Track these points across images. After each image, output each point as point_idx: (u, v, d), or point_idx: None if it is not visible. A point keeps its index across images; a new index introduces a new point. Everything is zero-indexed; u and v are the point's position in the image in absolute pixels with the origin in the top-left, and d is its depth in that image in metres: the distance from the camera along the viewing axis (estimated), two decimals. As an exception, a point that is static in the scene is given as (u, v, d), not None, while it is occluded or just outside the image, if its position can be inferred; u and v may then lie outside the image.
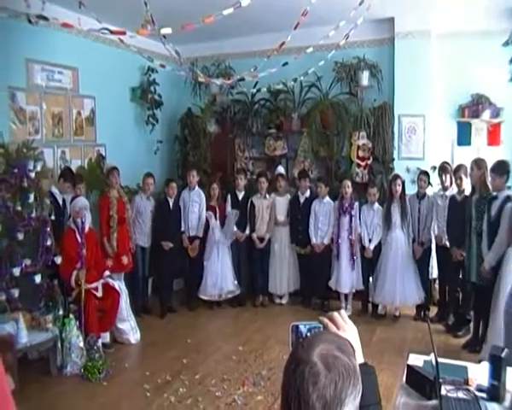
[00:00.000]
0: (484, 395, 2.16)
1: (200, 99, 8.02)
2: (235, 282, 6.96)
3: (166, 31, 4.02)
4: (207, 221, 6.91)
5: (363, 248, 6.53)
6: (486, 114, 6.82)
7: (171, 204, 6.79)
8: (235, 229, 6.94)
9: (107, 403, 4.32)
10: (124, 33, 4.34)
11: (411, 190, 6.52)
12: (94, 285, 5.37)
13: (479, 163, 5.40)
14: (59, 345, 4.87)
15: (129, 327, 5.71)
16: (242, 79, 5.95)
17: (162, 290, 6.86)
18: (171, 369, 4.98)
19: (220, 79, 6.73)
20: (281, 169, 7.39)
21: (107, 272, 5.66)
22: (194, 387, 4.61)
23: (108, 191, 6.15)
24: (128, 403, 4.34)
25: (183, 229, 6.85)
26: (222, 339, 6.02)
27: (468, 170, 5.57)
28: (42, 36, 5.77)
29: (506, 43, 4.98)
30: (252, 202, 7.03)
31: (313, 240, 6.72)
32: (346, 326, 1.32)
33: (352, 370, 1.08)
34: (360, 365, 1.29)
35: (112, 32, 4.34)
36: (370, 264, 6.48)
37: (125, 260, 6.10)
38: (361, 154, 7.14)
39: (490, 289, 4.94)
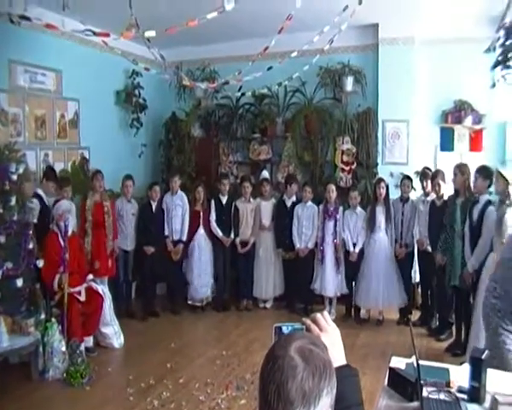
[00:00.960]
0: (465, 396, 2.18)
1: (184, 103, 8.00)
2: (213, 287, 7.02)
3: (150, 34, 4.01)
4: (193, 226, 6.90)
5: (346, 252, 6.56)
6: (469, 121, 6.91)
7: (153, 208, 6.77)
8: (220, 234, 6.93)
9: (89, 408, 4.28)
10: (107, 35, 4.33)
11: (395, 194, 6.57)
12: (77, 289, 5.32)
13: (462, 168, 5.45)
14: (41, 349, 4.80)
15: (112, 331, 5.67)
16: (227, 83, 5.97)
17: (145, 294, 6.82)
18: (155, 373, 4.94)
19: (205, 82, 6.74)
20: (265, 174, 7.42)
21: (90, 276, 5.62)
22: (178, 391, 4.59)
23: (89, 195, 6.11)
24: (111, 408, 4.30)
25: (166, 233, 6.82)
26: (206, 343, 6.03)
27: (451, 175, 5.61)
28: (25, 37, 5.74)
29: (488, 50, 5.04)
30: (236, 206, 7.03)
31: (297, 245, 6.73)
32: (328, 328, 1.33)
33: (327, 363, 1.12)
34: (343, 366, 1.31)
35: (95, 34, 4.33)
36: (354, 267, 6.50)
37: (96, 264, 6.04)
38: (345, 159, 7.19)
39: (471, 292, 4.99)
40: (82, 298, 5.34)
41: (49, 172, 5.91)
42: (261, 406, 1.10)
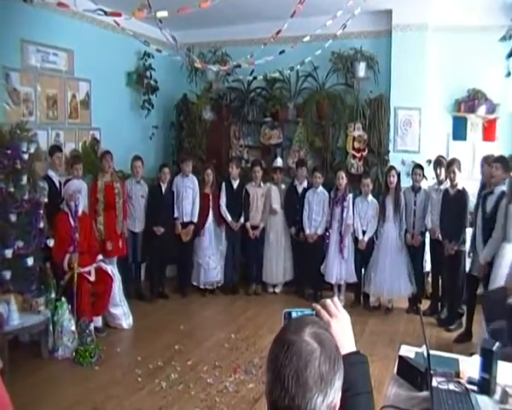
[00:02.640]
0: (475, 387, 2.18)
1: (196, 86, 7.98)
2: (223, 271, 7.05)
3: (162, 14, 3.99)
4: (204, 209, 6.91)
5: (356, 239, 6.55)
6: (482, 110, 6.83)
7: (163, 189, 6.78)
8: (229, 218, 6.94)
9: (98, 387, 4.32)
10: (119, 15, 4.31)
11: (406, 182, 6.53)
12: (87, 269, 5.36)
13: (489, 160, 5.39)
14: (50, 328, 4.86)
15: (121, 312, 5.71)
16: (239, 66, 5.94)
17: (154, 276, 6.86)
18: (163, 355, 4.98)
19: (216, 65, 6.70)
20: (279, 162, 7.33)
21: (100, 256, 5.65)
22: (186, 373, 4.62)
23: (100, 176, 6.12)
24: (119, 388, 4.34)
25: (176, 215, 6.84)
26: (214, 326, 6.06)
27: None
28: (37, 17, 5.72)
29: (503, 39, 4.97)
30: (246, 190, 7.03)
31: (307, 230, 6.73)
32: (338, 314, 1.33)
33: (337, 347, 1.14)
34: (353, 353, 1.31)
35: (107, 14, 4.30)
36: (364, 256, 6.50)
37: (108, 245, 6.06)
38: (356, 145, 7.15)
39: (482, 282, 4.98)
40: (92, 278, 5.37)
41: (53, 147, 5.90)
42: (274, 390, 1.09)
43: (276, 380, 1.09)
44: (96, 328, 5.36)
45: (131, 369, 4.67)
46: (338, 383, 1.10)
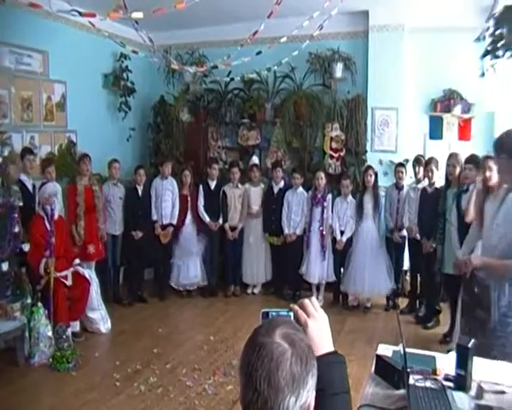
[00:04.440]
0: (451, 384, 2.19)
1: (173, 87, 7.96)
2: (202, 272, 7.01)
3: (138, 15, 3.96)
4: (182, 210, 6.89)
5: (334, 239, 6.57)
6: (458, 110, 6.92)
7: (140, 192, 6.73)
8: (207, 219, 6.92)
9: (75, 393, 4.26)
10: (93, 16, 4.28)
11: (384, 182, 6.58)
12: (63, 273, 5.28)
13: (458, 159, 5.45)
14: (27, 334, 4.78)
15: (99, 316, 5.65)
16: (215, 67, 5.93)
17: (132, 279, 6.81)
18: (142, 358, 4.94)
19: (193, 66, 6.68)
20: (255, 160, 7.39)
21: (77, 261, 5.58)
22: (165, 376, 4.59)
23: (78, 179, 6.05)
24: (97, 393, 4.29)
25: (155, 218, 6.80)
26: (193, 329, 6.03)
27: (443, 163, 5.61)
28: (10, 17, 5.64)
29: (478, 40, 5.04)
30: (224, 191, 7.02)
31: (286, 230, 6.75)
32: (316, 314, 1.33)
33: (310, 347, 1.14)
34: (331, 353, 1.31)
35: (81, 15, 4.26)
36: (342, 255, 6.52)
37: (91, 249, 6.00)
38: (334, 145, 7.18)
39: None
40: (68, 282, 5.30)
41: (24, 149, 5.77)
42: (247, 395, 1.09)
43: (248, 383, 1.09)
44: (73, 333, 5.29)
45: (109, 373, 4.62)
46: (311, 383, 1.10)
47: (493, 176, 4.25)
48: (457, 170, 5.36)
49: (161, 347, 5.25)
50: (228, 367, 4.75)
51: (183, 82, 7.99)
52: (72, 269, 5.42)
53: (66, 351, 4.79)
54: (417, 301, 6.30)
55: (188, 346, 5.34)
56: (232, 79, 6.92)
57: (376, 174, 6.42)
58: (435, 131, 7.15)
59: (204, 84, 7.93)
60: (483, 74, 5.08)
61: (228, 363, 4.85)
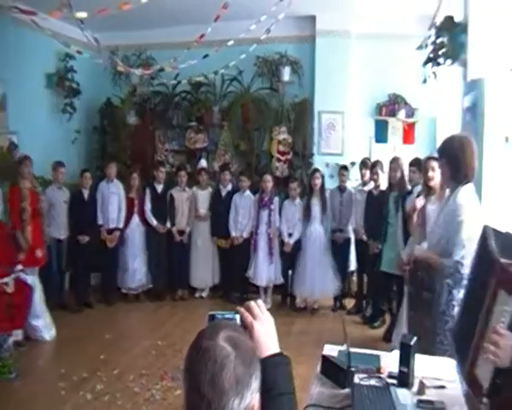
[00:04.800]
0: (394, 381, 2.25)
1: (120, 89, 7.83)
2: (148, 275, 6.96)
3: (81, 15, 3.89)
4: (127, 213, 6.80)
5: (282, 242, 6.62)
6: (402, 114, 7.13)
7: (85, 196, 6.61)
8: (154, 223, 6.85)
9: (18, 403, 4.12)
10: (33, 14, 4.17)
11: (330, 184, 6.69)
12: (4, 280, 5.09)
13: (399, 163, 5.60)
14: (-34, 344, 4.60)
15: (43, 324, 5.49)
16: (162, 70, 5.90)
17: (78, 285, 6.66)
18: (88, 366, 4.82)
19: (140, 69, 6.60)
20: (203, 163, 7.37)
21: (19, 267, 5.39)
22: (112, 383, 4.50)
23: (20, 182, 5.86)
24: (41, 402, 4.16)
25: (101, 222, 6.68)
26: (141, 334, 5.96)
27: (386, 168, 5.75)
28: None
29: (420, 47, 5.20)
30: (171, 194, 6.97)
31: (233, 233, 6.76)
32: (262, 316, 1.34)
33: (253, 349, 1.16)
34: (276, 354, 1.32)
35: (22, 12, 4.14)
36: (290, 258, 6.58)
37: (38, 253, 5.84)
38: (281, 148, 7.26)
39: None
40: (9, 289, 5.12)
41: None
42: (191, 399, 1.10)
43: (192, 387, 1.09)
44: (16, 342, 5.11)
45: (54, 382, 4.48)
46: (255, 385, 1.12)
47: (435, 176, 4.40)
48: (398, 174, 5.51)
49: (108, 353, 5.15)
50: (176, 372, 4.69)
51: (129, 84, 7.86)
52: (13, 275, 5.24)
53: (8, 361, 4.63)
54: (364, 302, 6.42)
55: (135, 351, 5.27)
56: (179, 82, 6.89)
57: (323, 177, 6.51)
58: (380, 134, 7.33)
59: (151, 87, 7.84)
60: (425, 81, 5.24)
61: (176, 367, 4.79)
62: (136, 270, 6.84)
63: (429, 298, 3.09)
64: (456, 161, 2.96)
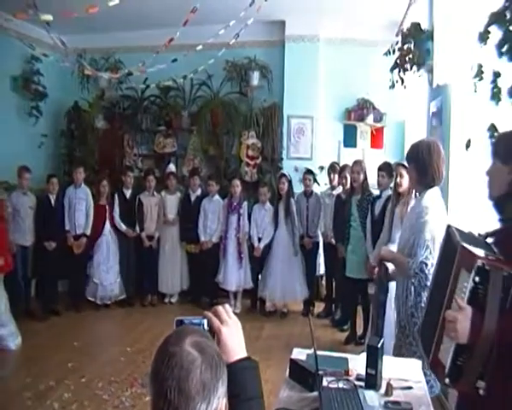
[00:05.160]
0: (362, 383, 2.27)
1: (88, 93, 7.72)
2: (121, 285, 6.87)
3: (47, 17, 3.83)
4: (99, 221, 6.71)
5: (252, 246, 6.62)
6: (370, 119, 7.21)
7: (52, 201, 6.50)
8: (124, 228, 6.78)
9: (-20, 415, 4.04)
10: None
11: (300, 189, 6.72)
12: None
13: (363, 166, 5.66)
14: None
15: (8, 332, 5.36)
16: (130, 74, 5.87)
17: (45, 292, 6.53)
18: (56, 374, 4.73)
19: (108, 72, 6.54)
20: (172, 167, 7.35)
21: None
22: (80, 391, 4.42)
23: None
24: (5, 413, 4.08)
25: (67, 227, 6.57)
26: (110, 341, 5.89)
27: (350, 172, 5.79)
28: None
29: (387, 53, 5.28)
30: (140, 199, 6.91)
31: (202, 238, 6.74)
32: (229, 320, 1.34)
33: (219, 354, 1.16)
34: (243, 359, 1.32)
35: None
36: (259, 262, 6.59)
37: (0, 261, 5.70)
38: (250, 153, 7.27)
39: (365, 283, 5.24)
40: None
41: None
42: (158, 405, 1.09)
43: (158, 393, 1.09)
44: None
45: (19, 392, 4.37)
46: (221, 390, 1.12)
47: (403, 182, 4.47)
48: (361, 177, 5.56)
49: (76, 361, 5.06)
50: (145, 378, 4.64)
51: (98, 87, 7.77)
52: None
53: (-28, 370, 4.52)
54: (333, 305, 6.46)
55: (104, 358, 5.20)
56: (148, 86, 6.84)
57: (290, 182, 6.53)
58: (349, 139, 7.41)
59: (120, 91, 7.77)
60: (393, 86, 5.31)
61: (145, 374, 4.74)
62: (110, 282, 6.74)
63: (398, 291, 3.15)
64: (424, 165, 3.01)
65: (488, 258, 1.79)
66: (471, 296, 1.79)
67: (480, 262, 1.75)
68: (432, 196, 3.03)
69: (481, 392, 1.76)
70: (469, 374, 1.79)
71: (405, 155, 3.27)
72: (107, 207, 6.80)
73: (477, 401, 1.81)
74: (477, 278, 1.76)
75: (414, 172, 3.11)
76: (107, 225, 6.81)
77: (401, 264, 3.08)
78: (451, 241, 2.04)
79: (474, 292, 1.78)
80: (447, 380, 1.87)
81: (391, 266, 3.20)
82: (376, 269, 3.47)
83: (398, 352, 3.06)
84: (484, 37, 2.21)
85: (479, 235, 2.03)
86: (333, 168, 6.44)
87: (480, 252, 1.82)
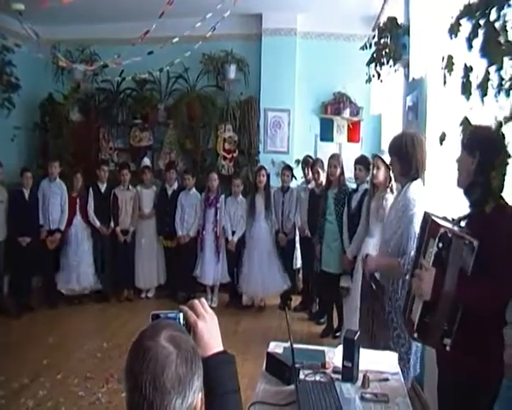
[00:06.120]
0: (339, 376, 2.28)
1: (62, 85, 7.60)
2: (94, 276, 6.79)
3: (19, 6, 3.74)
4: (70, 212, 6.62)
5: (227, 240, 6.61)
6: (347, 112, 7.24)
7: (26, 196, 6.40)
8: (98, 224, 6.70)
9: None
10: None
11: (276, 182, 6.72)
12: None
13: (339, 160, 5.65)
14: None
15: (-20, 330, 5.28)
16: (106, 66, 5.79)
17: (19, 288, 6.43)
18: (30, 371, 4.66)
19: (83, 64, 6.45)
20: (147, 161, 7.30)
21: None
22: (56, 388, 4.37)
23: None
24: (-22, 413, 4.01)
25: (41, 222, 6.47)
26: (85, 336, 5.82)
27: (326, 166, 5.79)
28: None
29: (363, 48, 5.30)
30: (114, 193, 6.85)
31: (179, 232, 6.71)
32: (206, 314, 1.35)
33: (194, 347, 1.16)
34: (220, 353, 1.33)
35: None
36: (236, 256, 6.58)
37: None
38: (227, 146, 7.26)
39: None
40: None
41: None
42: (133, 400, 1.09)
43: (133, 388, 1.09)
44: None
45: (-8, 390, 4.32)
46: (197, 384, 1.12)
47: (380, 174, 4.49)
48: (338, 170, 5.56)
49: (51, 357, 4.99)
50: (122, 374, 4.58)
51: (73, 79, 7.64)
52: None
53: None
54: (310, 299, 6.48)
55: (80, 354, 5.14)
56: (124, 79, 6.75)
57: (269, 175, 6.53)
58: (326, 133, 7.43)
59: (95, 83, 7.66)
60: (369, 80, 5.34)
61: (122, 369, 4.65)
62: (82, 272, 6.65)
63: (382, 299, 3.15)
64: (408, 157, 3.03)
65: (452, 229, 2.06)
66: (435, 260, 2.08)
67: (442, 230, 2.04)
68: (417, 188, 3.06)
69: (448, 348, 2.06)
70: (435, 330, 2.08)
71: (388, 147, 3.26)
72: (77, 200, 6.72)
73: (447, 355, 2.11)
74: (440, 244, 2.05)
75: (397, 164, 3.12)
76: (78, 216, 6.72)
77: (391, 267, 3.08)
78: (426, 221, 2.27)
79: (437, 256, 2.07)
80: (416, 335, 2.21)
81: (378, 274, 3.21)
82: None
83: (386, 345, 3.04)
84: (454, 29, 2.22)
85: (452, 219, 2.24)
86: (306, 162, 6.46)
87: (446, 224, 2.11)
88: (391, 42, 4.90)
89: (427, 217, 2.27)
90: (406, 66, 4.89)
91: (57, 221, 6.57)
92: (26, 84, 7.39)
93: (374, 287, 3.20)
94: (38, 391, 4.30)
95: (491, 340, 2.10)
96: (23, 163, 7.35)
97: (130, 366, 1.10)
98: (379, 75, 5.12)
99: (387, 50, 4.92)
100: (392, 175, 4.16)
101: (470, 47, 2.11)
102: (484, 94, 2.04)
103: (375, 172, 4.55)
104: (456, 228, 2.11)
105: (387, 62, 4.97)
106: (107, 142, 7.73)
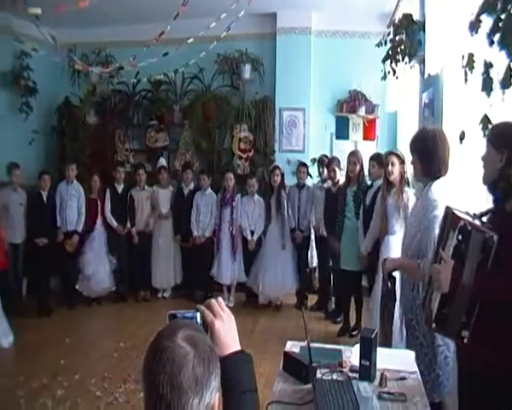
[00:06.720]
0: (356, 375, 2.26)
1: (78, 88, 7.68)
2: (111, 277, 6.82)
3: (35, 11, 3.78)
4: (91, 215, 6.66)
5: (245, 240, 6.61)
6: (363, 110, 7.20)
7: (44, 198, 6.45)
8: (115, 224, 6.74)
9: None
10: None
11: (292, 181, 6.71)
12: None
13: (358, 157, 5.62)
14: None
15: (0, 331, 5.31)
16: (121, 68, 5.82)
17: (38, 289, 6.48)
18: (48, 371, 4.69)
19: (99, 67, 6.49)
20: (163, 161, 7.32)
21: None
22: (73, 388, 4.39)
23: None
24: (-3, 412, 4.04)
25: (59, 224, 6.53)
26: (103, 337, 5.85)
27: (343, 164, 5.76)
28: None
29: (379, 44, 5.26)
30: (131, 195, 6.88)
31: (194, 232, 6.72)
32: (223, 314, 1.34)
33: (212, 348, 1.15)
34: (237, 352, 1.32)
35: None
36: (252, 255, 6.58)
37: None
38: (242, 146, 7.27)
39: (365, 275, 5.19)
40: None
41: None
42: (150, 399, 1.08)
43: (151, 388, 1.08)
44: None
45: (12, 390, 4.31)
46: (214, 384, 1.11)
47: (394, 171, 4.45)
48: (357, 167, 5.54)
49: (69, 358, 5.02)
50: (139, 374, 4.60)
51: (89, 83, 7.72)
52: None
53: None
54: (326, 298, 6.45)
55: (97, 354, 5.17)
56: (139, 81, 6.80)
57: (283, 174, 6.52)
58: (341, 131, 7.39)
59: (111, 85, 7.70)
60: (385, 77, 5.31)
61: (139, 370, 4.65)
62: (101, 275, 6.68)
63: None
64: (429, 155, 2.81)
65: (471, 222, 2.06)
66: (454, 252, 2.08)
67: (462, 222, 2.04)
68: (440, 188, 2.81)
69: (465, 341, 2.07)
70: (453, 322, 2.09)
71: (409, 144, 3.07)
72: (98, 202, 6.76)
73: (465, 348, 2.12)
74: (460, 237, 2.04)
75: (418, 162, 2.89)
76: (99, 219, 6.77)
77: (410, 269, 2.87)
78: (447, 213, 2.25)
79: (456, 248, 2.07)
80: (434, 325, 2.22)
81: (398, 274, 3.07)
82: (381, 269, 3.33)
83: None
84: (475, 26, 2.19)
85: (474, 214, 2.19)
86: (321, 161, 6.43)
87: (466, 217, 2.10)
88: (406, 38, 4.87)
89: (448, 210, 2.25)
90: (422, 62, 4.85)
91: (74, 223, 6.61)
92: (43, 88, 7.48)
93: (389, 285, 3.13)
94: (57, 391, 4.32)
95: (510, 332, 2.05)
96: (41, 166, 7.41)
97: (148, 366, 1.10)
98: (394, 72, 5.09)
99: (403, 47, 4.89)
100: (405, 171, 4.14)
101: (492, 43, 2.08)
102: (507, 87, 2.02)
103: (389, 168, 4.51)
104: (476, 221, 2.10)
105: (403, 59, 4.94)
106: (123, 143, 7.76)
